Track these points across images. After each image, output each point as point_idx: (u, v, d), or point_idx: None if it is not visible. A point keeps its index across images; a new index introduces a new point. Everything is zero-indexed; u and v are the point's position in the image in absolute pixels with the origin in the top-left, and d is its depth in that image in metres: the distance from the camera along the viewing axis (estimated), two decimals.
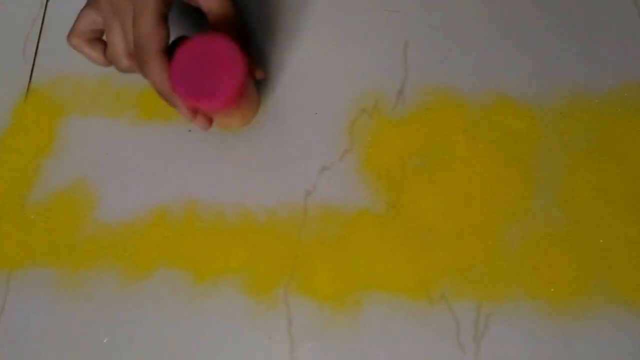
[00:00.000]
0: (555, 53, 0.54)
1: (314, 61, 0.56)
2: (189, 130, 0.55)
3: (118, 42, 0.47)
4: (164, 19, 0.45)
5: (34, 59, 0.59)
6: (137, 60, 0.46)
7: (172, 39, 0.47)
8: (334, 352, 0.49)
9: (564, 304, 0.48)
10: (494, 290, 0.49)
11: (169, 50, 0.46)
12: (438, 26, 0.56)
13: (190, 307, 0.51)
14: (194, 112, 0.47)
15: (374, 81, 0.55)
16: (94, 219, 0.54)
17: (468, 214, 0.51)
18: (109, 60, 0.49)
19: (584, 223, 0.50)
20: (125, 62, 0.47)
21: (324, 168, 0.53)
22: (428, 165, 0.52)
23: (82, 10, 0.49)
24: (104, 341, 0.50)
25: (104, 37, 0.48)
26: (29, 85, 0.58)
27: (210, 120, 0.49)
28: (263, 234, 0.52)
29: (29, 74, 0.59)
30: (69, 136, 0.57)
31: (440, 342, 0.48)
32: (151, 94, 0.53)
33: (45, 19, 0.61)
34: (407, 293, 0.49)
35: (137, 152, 0.56)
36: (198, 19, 0.51)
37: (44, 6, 0.62)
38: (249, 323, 0.50)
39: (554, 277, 0.49)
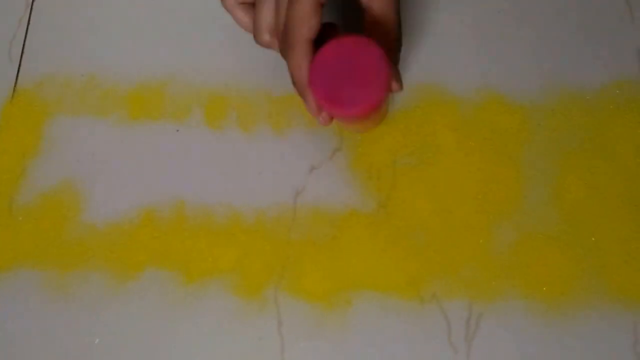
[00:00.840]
0: (546, 50, 0.54)
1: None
2: (177, 130, 0.55)
3: (266, 16, 0.45)
4: (320, 7, 0.43)
5: (20, 60, 0.59)
6: (282, 42, 0.44)
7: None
8: (325, 353, 0.48)
9: (556, 303, 0.47)
10: (486, 290, 0.48)
11: (316, 41, 0.44)
12: (427, 24, 0.56)
13: (180, 308, 0.50)
14: (321, 108, 0.45)
15: None
16: (81, 220, 0.53)
17: (459, 212, 0.50)
18: (251, 30, 0.47)
19: (576, 221, 0.49)
20: (266, 37, 0.46)
21: (313, 167, 0.53)
22: (418, 163, 0.52)
23: None
24: (95, 342, 0.50)
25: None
26: (15, 86, 0.58)
27: (331, 119, 0.47)
28: (252, 235, 0.51)
29: (15, 75, 0.58)
30: (56, 137, 0.56)
31: (431, 342, 0.48)
32: (139, 94, 0.53)
33: (31, 19, 0.60)
34: (398, 293, 0.49)
35: (125, 152, 0.55)
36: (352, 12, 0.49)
37: (30, 6, 0.61)
38: (239, 324, 0.49)
39: (546, 276, 0.48)
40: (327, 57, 0.42)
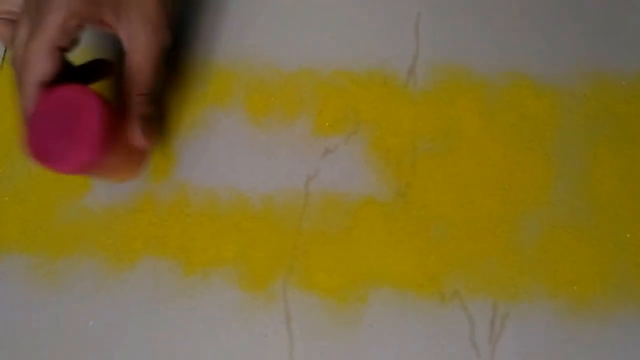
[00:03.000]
0: (580, 31, 0.51)
1: (317, 36, 0.52)
2: None
3: (22, 35, 0.42)
4: (56, 52, 0.41)
5: None
6: (16, 77, 0.42)
7: None
8: (336, 352, 0.45)
9: (586, 303, 0.45)
10: (511, 288, 0.46)
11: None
12: None
13: (179, 301, 0.47)
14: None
15: (382, 57, 0.51)
16: (73, 202, 0.50)
17: (483, 203, 0.48)
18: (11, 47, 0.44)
19: (608, 215, 0.47)
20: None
21: (327, 151, 0.50)
22: (440, 150, 0.49)
23: None
24: (89, 324, 0.47)
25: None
26: (4, 57, 0.55)
27: None
28: (259, 222, 0.48)
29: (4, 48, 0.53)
30: None
31: (452, 343, 0.45)
32: None
33: None
34: (417, 289, 0.46)
35: None
36: None
37: None
38: (244, 319, 0.47)
39: (575, 274, 0.46)
40: (47, 106, 0.40)
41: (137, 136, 0.43)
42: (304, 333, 0.46)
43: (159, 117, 0.48)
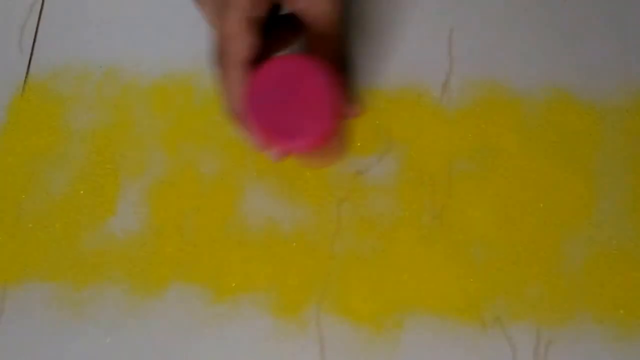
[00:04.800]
0: (620, 45, 0.49)
1: (349, 52, 0.51)
2: None
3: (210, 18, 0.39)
4: (254, 24, 0.37)
5: (32, 50, 0.55)
6: (214, 63, 0.39)
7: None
8: None
9: (633, 327, 0.44)
10: (555, 313, 0.44)
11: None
12: (487, 11, 0.51)
13: (208, 329, 0.46)
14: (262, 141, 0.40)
15: (415, 73, 0.50)
16: (99, 229, 0.49)
17: (523, 225, 0.46)
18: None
19: None
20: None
21: (359, 172, 0.48)
22: (477, 169, 0.48)
23: None
24: (107, 341, 0.47)
25: None
26: (26, 79, 0.54)
27: (285, 155, 0.41)
28: (290, 247, 0.47)
29: (26, 66, 0.54)
30: (71, 135, 0.52)
31: None
32: (163, 87, 0.48)
33: (45, 5, 0.56)
34: (456, 315, 0.45)
35: None
36: None
37: None
38: (276, 347, 0.45)
39: (622, 298, 0.44)
40: (264, 82, 0.37)
41: (353, 103, 0.41)
42: None
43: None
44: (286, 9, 0.41)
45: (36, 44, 0.55)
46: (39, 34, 0.55)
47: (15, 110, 0.53)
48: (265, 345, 0.46)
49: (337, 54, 0.41)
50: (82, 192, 0.50)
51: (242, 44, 0.37)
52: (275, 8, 0.40)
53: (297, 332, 0.46)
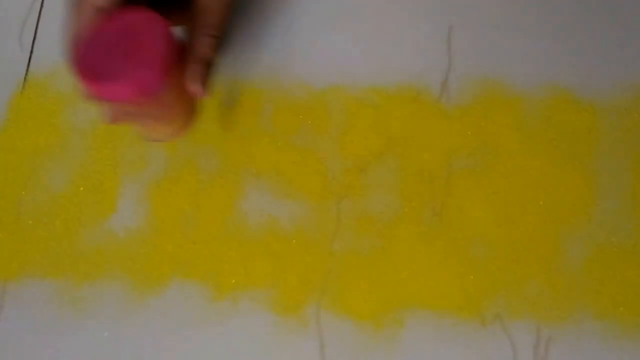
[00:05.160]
0: (620, 41, 0.50)
1: (346, 52, 0.51)
2: None
3: None
4: None
5: (32, 47, 0.55)
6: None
7: None
8: None
9: (635, 325, 0.44)
10: (555, 310, 0.44)
11: None
12: (486, 9, 0.51)
13: (207, 326, 0.46)
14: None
15: (413, 72, 0.50)
16: (99, 226, 0.49)
17: (523, 223, 0.46)
18: None
19: None
20: None
21: (358, 169, 0.48)
22: (476, 167, 0.48)
23: None
24: (104, 334, 0.47)
25: None
26: (26, 76, 0.54)
27: (117, 114, 0.40)
28: (290, 244, 0.47)
29: (26, 64, 0.54)
30: (71, 132, 0.52)
31: None
32: None
33: (45, 2, 0.56)
34: (456, 312, 0.45)
35: None
36: None
37: None
38: (275, 345, 0.45)
39: (622, 295, 0.44)
40: (103, 29, 0.37)
41: (194, 81, 0.41)
42: (338, 359, 0.44)
43: (216, 69, 0.46)
44: None
45: (36, 41, 0.55)
46: (39, 31, 0.56)
47: (15, 108, 0.53)
48: (264, 343, 0.45)
49: (215, 28, 0.42)
50: (81, 189, 0.50)
51: None
52: None
53: (297, 330, 0.46)
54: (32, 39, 0.55)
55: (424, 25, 0.51)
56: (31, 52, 0.55)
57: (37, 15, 0.56)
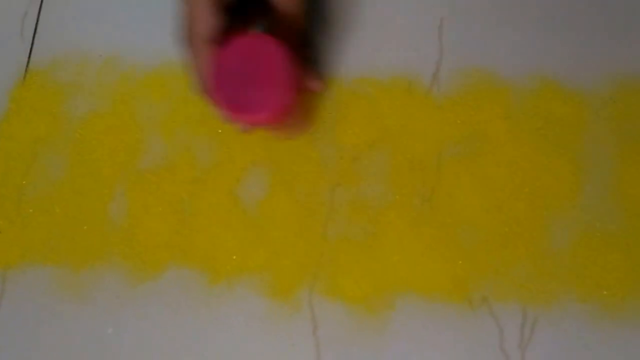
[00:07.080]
0: (606, 33, 0.50)
1: (338, 44, 0.52)
2: None
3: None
4: (218, 6, 0.40)
5: (33, 38, 0.56)
6: (182, 41, 0.41)
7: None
8: None
9: (617, 307, 0.44)
10: (541, 293, 0.45)
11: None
12: (476, 1, 0.52)
13: (204, 311, 0.47)
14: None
15: (406, 63, 0.51)
16: (98, 213, 0.50)
17: (510, 208, 0.47)
18: None
19: (638, 218, 0.46)
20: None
21: (351, 158, 0.49)
22: (466, 155, 0.48)
23: None
24: (109, 331, 0.47)
25: None
26: (27, 67, 0.54)
27: (252, 127, 0.45)
28: (284, 230, 0.48)
29: (27, 55, 0.55)
30: (71, 122, 0.52)
31: (481, 350, 0.45)
32: (162, 75, 0.50)
33: None
34: (445, 295, 0.46)
35: None
36: None
37: None
38: (270, 328, 0.46)
39: (606, 279, 0.45)
40: (228, 59, 0.40)
41: (313, 78, 0.44)
42: (330, 341, 0.45)
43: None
44: None
45: (37, 33, 0.56)
46: (39, 23, 0.56)
47: (16, 98, 0.54)
48: (259, 326, 0.46)
49: (300, 33, 0.43)
50: (81, 177, 0.51)
51: (207, 24, 0.40)
52: None
53: (290, 314, 0.46)
54: (33, 31, 0.56)
55: (416, 18, 0.52)
56: (32, 44, 0.55)
57: (37, 8, 0.57)
